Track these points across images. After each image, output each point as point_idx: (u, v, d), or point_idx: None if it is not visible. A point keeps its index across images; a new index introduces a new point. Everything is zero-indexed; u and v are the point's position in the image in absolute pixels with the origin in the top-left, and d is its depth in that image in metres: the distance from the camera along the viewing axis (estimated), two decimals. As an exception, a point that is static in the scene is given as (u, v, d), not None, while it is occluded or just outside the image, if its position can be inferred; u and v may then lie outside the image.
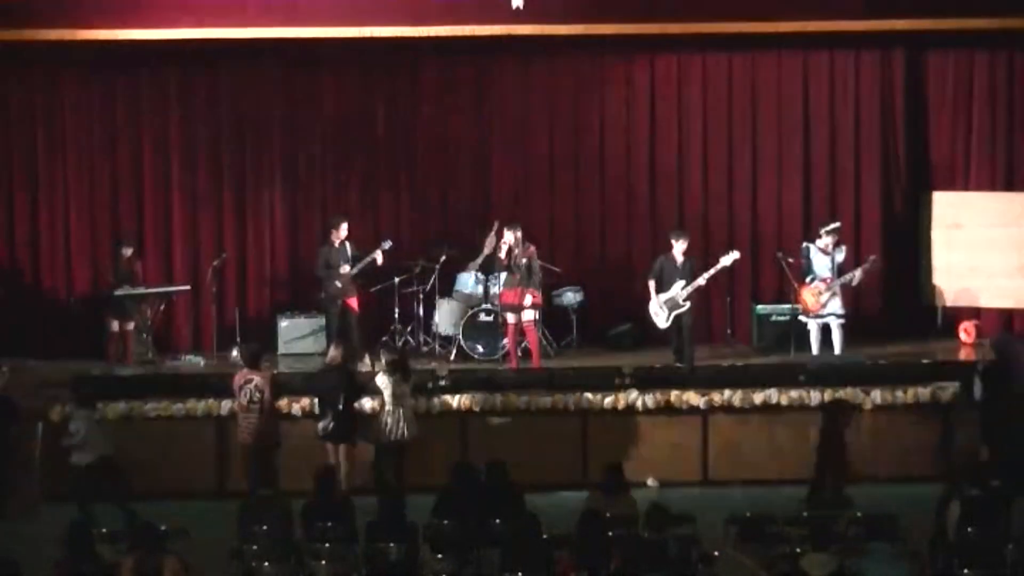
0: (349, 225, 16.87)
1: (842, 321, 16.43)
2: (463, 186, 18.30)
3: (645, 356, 16.72)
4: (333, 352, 14.32)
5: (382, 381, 13.99)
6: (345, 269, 16.53)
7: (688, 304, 16.07)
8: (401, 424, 13.92)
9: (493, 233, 16.90)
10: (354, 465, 14.03)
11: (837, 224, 16.80)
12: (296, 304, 17.66)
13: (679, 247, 16.18)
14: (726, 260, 16.27)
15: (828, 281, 16.38)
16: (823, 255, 16.51)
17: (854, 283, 16.54)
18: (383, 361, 14.22)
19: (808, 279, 16.55)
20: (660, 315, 16.17)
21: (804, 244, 16.81)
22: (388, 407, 13.92)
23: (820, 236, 16.60)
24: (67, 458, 13.51)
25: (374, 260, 16.66)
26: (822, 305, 16.39)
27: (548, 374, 15.81)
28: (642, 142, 18.28)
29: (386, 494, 12.58)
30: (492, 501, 11.60)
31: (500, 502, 11.55)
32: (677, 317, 16.09)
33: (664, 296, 16.10)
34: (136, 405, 14.96)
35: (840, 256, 16.50)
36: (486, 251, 17.13)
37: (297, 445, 14.07)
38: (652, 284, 16.24)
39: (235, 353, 16.25)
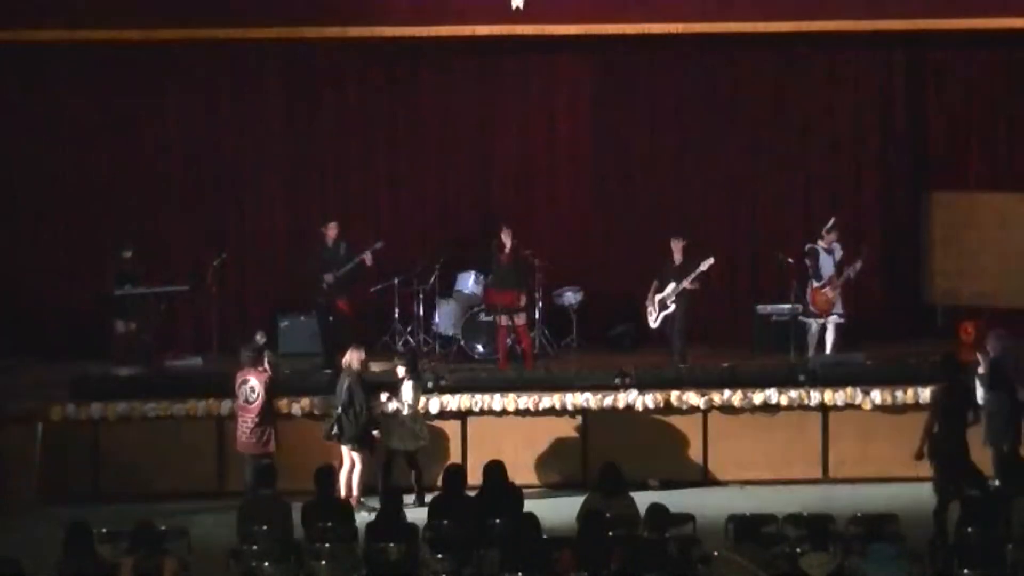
0: (349, 224, 16.84)
1: (842, 321, 16.42)
2: (463, 186, 18.30)
3: (645, 356, 16.72)
4: (352, 355, 14.28)
5: (406, 388, 14.16)
6: (328, 278, 16.37)
7: (674, 307, 16.08)
8: (424, 430, 14.26)
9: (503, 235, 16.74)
10: (357, 467, 14.06)
11: (834, 220, 16.76)
12: (296, 304, 17.64)
13: (676, 248, 16.21)
14: (703, 265, 16.24)
15: (834, 280, 16.35)
16: (827, 254, 16.49)
17: (853, 276, 16.48)
18: (406, 369, 14.35)
19: (818, 280, 16.49)
20: (652, 313, 16.23)
21: (808, 246, 16.76)
22: (412, 412, 14.15)
23: (823, 236, 16.58)
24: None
25: (363, 262, 16.57)
26: (832, 305, 16.36)
27: (548, 374, 15.81)
28: (642, 142, 18.29)
29: (389, 496, 12.58)
30: (489, 501, 11.59)
31: (498, 502, 11.54)
32: (666, 318, 16.13)
33: (659, 296, 16.13)
34: (136, 405, 14.94)
35: (839, 253, 16.48)
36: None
37: (297, 445, 14.06)
38: (656, 283, 16.27)
39: (258, 337, 16.13)
